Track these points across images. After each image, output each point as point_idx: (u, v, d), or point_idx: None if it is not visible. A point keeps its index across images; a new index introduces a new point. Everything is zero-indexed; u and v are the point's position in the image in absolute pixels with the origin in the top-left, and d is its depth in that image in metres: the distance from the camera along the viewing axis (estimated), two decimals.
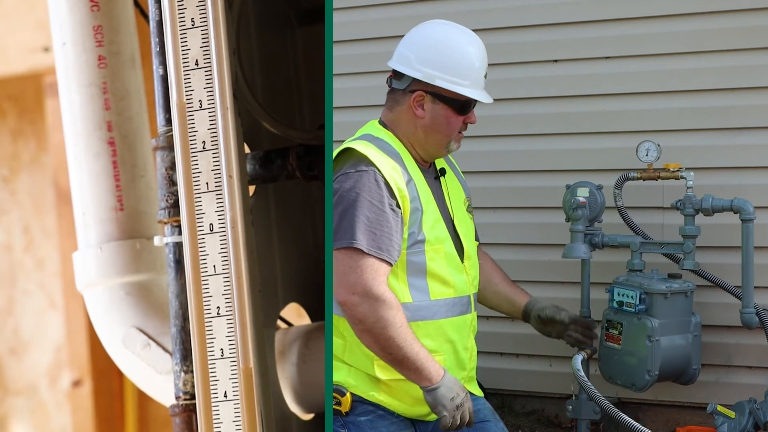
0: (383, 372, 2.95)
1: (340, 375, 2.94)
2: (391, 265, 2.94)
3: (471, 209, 3.27)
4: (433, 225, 3.07)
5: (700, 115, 3.92)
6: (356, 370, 2.94)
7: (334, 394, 2.89)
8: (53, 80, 3.05)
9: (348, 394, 2.89)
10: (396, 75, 3.12)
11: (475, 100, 3.12)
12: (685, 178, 3.69)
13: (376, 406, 2.95)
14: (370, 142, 3.05)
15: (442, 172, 3.18)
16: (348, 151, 2.98)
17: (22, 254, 5.33)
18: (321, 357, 2.88)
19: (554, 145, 4.16)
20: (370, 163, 2.96)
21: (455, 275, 3.07)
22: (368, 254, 2.89)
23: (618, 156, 3.96)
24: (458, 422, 2.96)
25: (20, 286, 5.33)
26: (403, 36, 3.14)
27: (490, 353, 4.22)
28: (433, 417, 3.01)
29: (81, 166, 2.90)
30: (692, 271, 3.77)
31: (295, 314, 3.13)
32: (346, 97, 4.34)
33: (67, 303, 4.97)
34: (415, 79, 3.08)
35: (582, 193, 3.81)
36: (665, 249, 3.78)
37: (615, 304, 3.70)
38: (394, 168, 3.02)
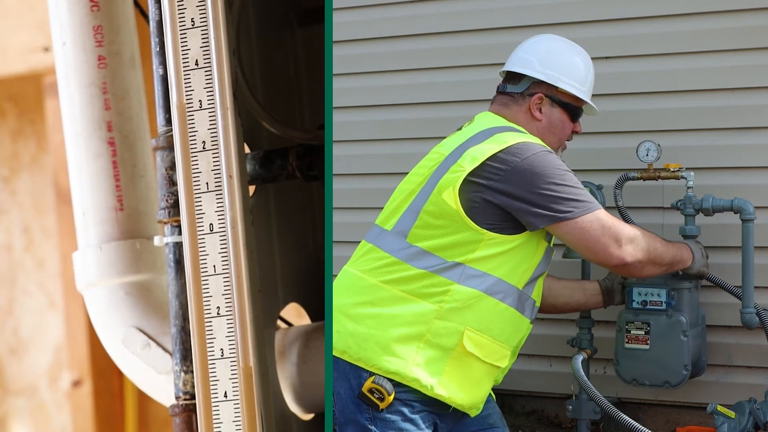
0: (472, 346, 3.04)
1: (407, 367, 2.97)
2: None
3: None
4: None
5: (701, 115, 3.91)
6: (431, 348, 3.00)
7: (378, 387, 2.92)
8: (53, 80, 3.04)
9: (392, 396, 2.93)
10: (511, 79, 3.27)
11: (581, 113, 3.30)
12: (686, 178, 3.69)
13: (411, 406, 2.98)
14: (525, 132, 3.17)
15: None
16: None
17: (22, 254, 5.33)
18: (321, 357, 2.88)
19: None
20: (546, 147, 3.13)
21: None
22: (601, 209, 3.10)
23: (618, 156, 3.96)
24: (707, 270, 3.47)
25: (20, 286, 5.33)
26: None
27: None
28: (474, 411, 3.12)
29: (81, 166, 2.90)
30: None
31: (295, 314, 3.13)
32: (346, 97, 4.31)
33: (67, 303, 4.97)
34: (534, 83, 3.24)
35: None
36: None
37: (637, 304, 3.66)
38: None
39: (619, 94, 4.01)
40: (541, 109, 3.24)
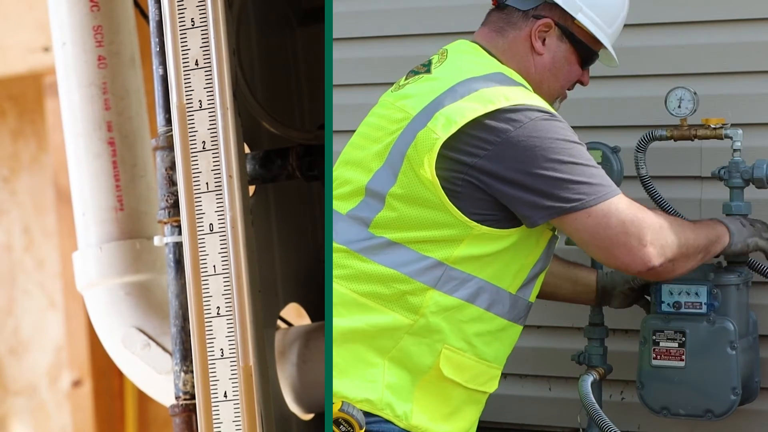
0: (451, 370, 2.47)
1: (376, 392, 2.47)
2: None
3: None
4: None
5: (752, 53, 3.02)
6: (399, 373, 2.47)
7: (347, 417, 2.43)
8: (53, 80, 3.04)
9: (362, 430, 2.42)
10: None
11: (595, 59, 2.62)
12: (731, 138, 2.86)
13: None
14: (523, 86, 2.49)
15: None
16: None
17: (22, 254, 5.33)
18: (321, 357, 2.88)
19: None
20: (551, 111, 2.46)
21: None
22: (620, 194, 2.46)
23: (641, 108, 3.10)
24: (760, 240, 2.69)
25: (20, 286, 5.33)
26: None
27: None
28: None
29: (81, 166, 2.91)
30: (738, 262, 2.89)
31: (295, 314, 3.12)
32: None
33: (67, 303, 4.97)
34: (546, 3, 2.55)
35: (593, 158, 2.77)
36: None
37: (668, 307, 2.88)
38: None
39: (643, 25, 3.11)
40: (545, 41, 2.55)
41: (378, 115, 2.59)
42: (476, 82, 2.44)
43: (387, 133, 2.51)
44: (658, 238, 2.46)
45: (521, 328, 2.60)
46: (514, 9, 2.56)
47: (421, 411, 2.49)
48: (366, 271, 2.48)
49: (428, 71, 2.54)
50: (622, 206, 2.44)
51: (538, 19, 2.54)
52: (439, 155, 2.40)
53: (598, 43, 2.60)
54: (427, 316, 2.44)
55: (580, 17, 2.54)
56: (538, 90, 2.55)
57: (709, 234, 2.64)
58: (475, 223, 2.42)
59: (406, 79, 2.60)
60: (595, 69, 2.83)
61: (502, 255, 2.47)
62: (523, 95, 2.45)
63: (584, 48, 2.58)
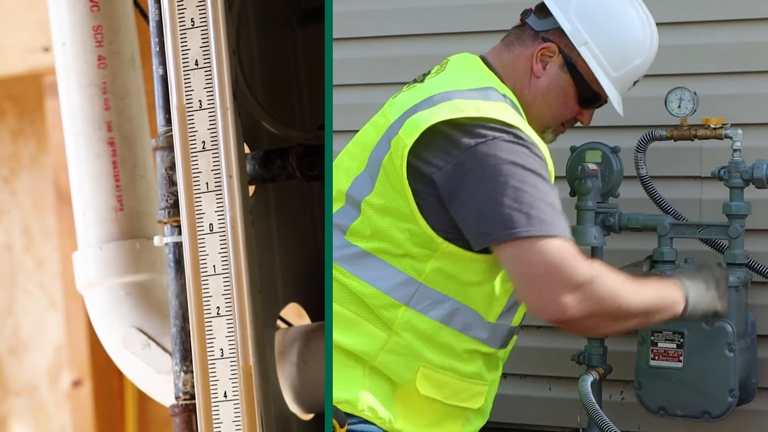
0: (428, 388, 2.43)
1: (356, 394, 2.43)
2: None
3: None
4: None
5: (753, 53, 3.04)
6: (379, 382, 2.44)
7: (334, 419, 2.41)
8: (53, 80, 3.04)
9: (344, 429, 2.40)
10: (539, 11, 2.51)
11: (596, 102, 2.51)
12: (731, 138, 2.89)
13: None
14: (504, 102, 2.38)
15: None
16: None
17: (22, 254, 5.33)
18: (321, 357, 2.87)
19: None
20: (522, 132, 2.33)
21: None
22: (562, 237, 2.28)
23: (641, 108, 3.02)
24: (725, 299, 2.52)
25: (20, 286, 5.32)
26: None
27: None
28: None
29: (81, 166, 2.90)
30: (738, 264, 2.93)
31: (295, 314, 3.12)
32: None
33: (67, 303, 4.97)
34: (557, 30, 2.48)
35: (592, 158, 3.03)
36: (704, 233, 2.97)
37: None
38: (542, 143, 2.38)
39: None
40: (546, 65, 2.47)
41: (371, 122, 2.56)
42: (457, 93, 2.37)
43: (370, 139, 2.47)
44: (584, 291, 2.28)
45: (509, 349, 2.54)
46: (529, 27, 2.52)
47: (404, 418, 2.47)
48: (343, 283, 2.46)
49: (422, 81, 2.49)
50: (554, 249, 2.26)
51: (545, 41, 2.48)
52: (409, 164, 2.33)
53: (600, 86, 2.50)
54: (400, 333, 2.40)
55: (583, 51, 2.46)
56: (527, 112, 2.48)
57: (658, 300, 2.45)
58: (442, 240, 2.34)
59: (406, 86, 2.55)
60: None
61: (474, 279, 2.39)
62: (500, 110, 2.35)
63: (584, 85, 2.49)
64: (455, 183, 2.29)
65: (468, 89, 2.38)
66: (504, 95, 2.44)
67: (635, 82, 2.58)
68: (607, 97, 2.54)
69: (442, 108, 2.33)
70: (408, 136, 2.32)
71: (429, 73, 2.51)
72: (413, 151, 2.32)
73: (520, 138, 2.31)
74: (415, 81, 2.53)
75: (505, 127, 2.31)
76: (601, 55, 2.47)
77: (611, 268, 2.39)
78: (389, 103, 2.51)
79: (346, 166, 2.51)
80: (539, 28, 2.48)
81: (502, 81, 2.49)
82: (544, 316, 2.32)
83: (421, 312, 2.40)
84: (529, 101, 2.48)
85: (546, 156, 2.40)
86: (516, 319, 2.51)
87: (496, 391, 2.55)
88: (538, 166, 2.32)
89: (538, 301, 2.29)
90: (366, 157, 2.45)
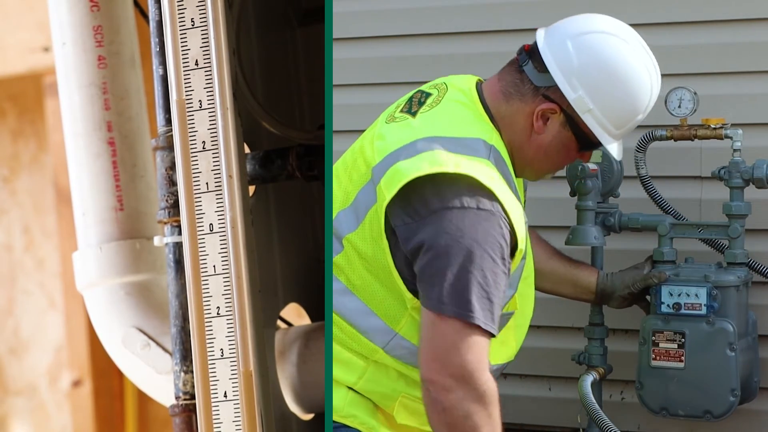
0: (406, 416, 2.43)
1: (340, 403, 2.46)
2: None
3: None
4: (527, 276, 2.46)
5: (752, 54, 3.01)
6: (361, 399, 2.47)
7: None
8: (53, 80, 3.04)
9: None
10: (537, 61, 2.39)
11: (597, 147, 2.47)
12: (731, 138, 2.86)
13: None
14: (488, 160, 2.31)
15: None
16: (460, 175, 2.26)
17: (22, 254, 5.33)
18: (321, 357, 2.87)
19: None
20: (496, 200, 2.28)
21: (517, 332, 2.50)
22: (480, 328, 2.25)
23: None
24: None
25: (20, 286, 5.32)
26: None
27: None
28: None
29: (81, 166, 2.90)
30: (738, 263, 2.91)
31: (295, 314, 3.12)
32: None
33: (67, 303, 4.97)
34: (558, 87, 2.38)
35: (593, 158, 2.95)
36: (704, 233, 2.95)
37: (668, 308, 2.87)
38: (518, 207, 2.34)
39: (643, 25, 2.79)
40: (547, 122, 2.39)
41: (363, 145, 2.50)
42: (441, 141, 2.31)
43: (359, 174, 2.43)
44: (460, 389, 2.26)
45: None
46: (528, 79, 2.40)
47: (388, 429, 2.48)
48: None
49: (415, 114, 2.41)
50: (469, 340, 2.24)
51: (547, 100, 2.39)
52: (386, 215, 2.31)
53: (599, 143, 2.46)
54: (379, 365, 2.41)
55: (587, 118, 2.38)
56: (526, 165, 2.44)
57: None
58: (411, 296, 2.33)
59: (400, 110, 2.47)
60: None
61: None
62: (481, 172, 2.28)
63: (585, 140, 2.43)
64: (416, 239, 2.26)
65: (454, 138, 2.32)
66: (492, 146, 2.37)
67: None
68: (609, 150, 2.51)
69: (423, 162, 2.28)
70: (388, 190, 2.29)
71: (424, 103, 2.43)
72: (393, 203, 2.30)
73: (490, 210, 2.26)
74: (409, 111, 2.45)
75: (479, 193, 2.26)
76: (605, 119, 2.40)
77: (498, 411, 2.34)
78: (378, 134, 2.44)
79: (336, 187, 2.48)
80: (539, 84, 2.38)
81: (497, 127, 2.42)
82: (422, 374, 2.29)
83: (397, 358, 2.41)
84: (530, 156, 2.43)
85: (518, 223, 2.35)
86: (506, 356, 2.51)
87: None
88: (496, 248, 2.26)
89: (429, 364, 2.27)
90: (354, 192, 2.42)
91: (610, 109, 2.39)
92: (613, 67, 2.39)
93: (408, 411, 2.47)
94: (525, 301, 2.50)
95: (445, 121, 2.36)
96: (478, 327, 2.25)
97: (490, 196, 2.28)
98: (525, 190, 2.62)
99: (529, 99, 2.39)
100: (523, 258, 2.39)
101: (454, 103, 2.40)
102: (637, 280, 2.85)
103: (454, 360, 2.24)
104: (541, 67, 2.38)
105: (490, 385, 2.28)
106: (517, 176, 2.46)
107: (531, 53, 2.41)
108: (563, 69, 2.36)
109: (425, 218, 2.26)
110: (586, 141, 2.42)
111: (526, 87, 2.39)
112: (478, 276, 2.24)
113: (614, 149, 2.47)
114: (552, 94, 2.37)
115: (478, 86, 2.46)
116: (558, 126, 2.39)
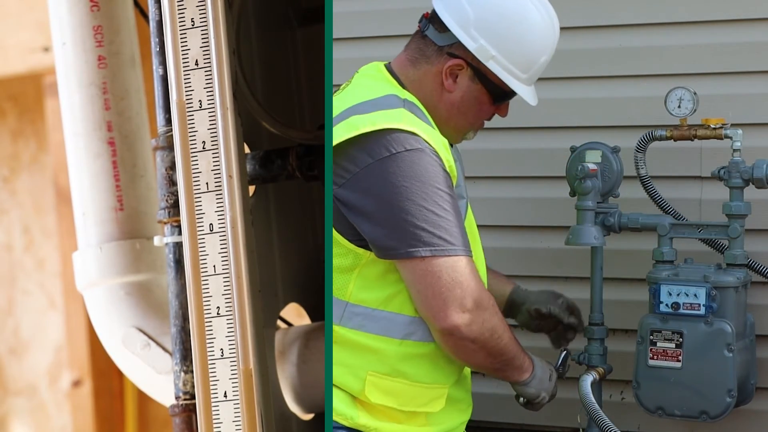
0: (379, 396, 2.47)
1: None
2: None
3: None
4: (469, 225, 2.52)
5: (752, 53, 3.01)
6: (337, 391, 2.50)
7: None
8: (53, 80, 3.04)
9: None
10: (437, 23, 2.48)
11: (511, 97, 2.53)
12: (731, 138, 2.86)
13: None
14: (402, 108, 2.42)
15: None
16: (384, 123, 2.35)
17: (22, 254, 5.33)
18: (321, 357, 2.87)
19: (554, 93, 3.19)
20: (420, 138, 2.37)
21: None
22: (465, 256, 2.35)
23: (640, 108, 3.08)
24: (549, 398, 2.59)
25: (20, 286, 5.32)
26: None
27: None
28: None
29: (81, 166, 2.90)
30: (738, 264, 2.91)
31: (295, 314, 3.12)
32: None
33: (67, 303, 4.97)
34: (461, 43, 2.46)
35: (592, 158, 3.00)
36: (704, 233, 2.94)
37: (666, 307, 2.87)
38: (444, 143, 2.41)
39: (643, 25, 3.11)
40: (457, 78, 2.47)
41: None
42: (353, 108, 2.40)
43: None
44: (477, 314, 2.37)
45: None
46: (431, 42, 2.49)
47: (367, 416, 2.50)
48: None
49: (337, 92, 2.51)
50: (461, 267, 2.34)
51: (451, 57, 2.47)
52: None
53: (511, 90, 2.52)
54: (339, 349, 2.44)
55: (491, 65, 2.45)
56: (444, 125, 2.51)
57: (517, 356, 2.52)
58: (362, 250, 2.39)
59: None
60: (595, 69, 2.82)
61: (401, 286, 2.43)
62: (397, 118, 2.37)
63: (496, 89, 2.49)
64: (354, 199, 2.35)
65: (364, 101, 2.41)
66: (405, 100, 2.45)
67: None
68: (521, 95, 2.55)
69: (340, 130, 2.38)
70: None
71: (339, 88, 2.54)
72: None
73: (418, 148, 2.34)
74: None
75: (402, 137, 2.34)
76: (509, 64, 2.47)
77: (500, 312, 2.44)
78: None
79: None
80: (442, 43, 2.47)
81: (409, 93, 2.49)
82: (438, 324, 2.37)
83: (355, 329, 2.45)
84: (445, 115, 2.50)
85: (447, 158, 2.42)
86: None
87: (468, 385, 2.55)
88: (440, 179, 2.35)
89: (438, 314, 2.35)
90: None
91: (512, 52, 2.45)
92: (507, 10, 2.46)
93: (379, 390, 2.48)
94: (478, 255, 2.55)
95: (357, 93, 2.46)
96: (459, 255, 2.33)
97: (414, 136, 2.36)
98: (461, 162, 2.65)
99: (435, 60, 2.46)
100: (462, 198, 2.46)
101: (363, 78, 2.51)
102: (547, 301, 2.79)
103: (461, 294, 2.33)
104: (442, 28, 2.45)
105: (488, 294, 2.39)
106: None
107: (431, 19, 2.50)
108: (460, 23, 2.43)
109: (357, 174, 2.35)
110: (497, 91, 2.47)
111: (430, 50, 2.47)
112: (435, 210, 2.31)
113: (528, 94, 2.51)
114: (456, 50, 2.45)
115: (387, 65, 2.57)
116: (467, 80, 2.46)
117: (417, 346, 2.48)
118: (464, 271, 2.35)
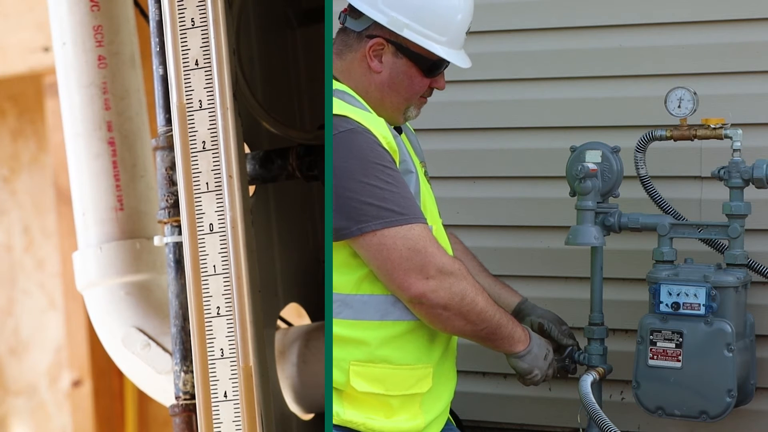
0: (365, 384, 2.48)
1: None
2: None
3: (428, 177, 2.68)
4: (429, 195, 2.57)
5: (752, 54, 3.01)
6: None
7: None
8: (53, 80, 3.04)
9: None
10: (352, 11, 2.57)
11: (441, 66, 2.56)
12: (731, 138, 2.84)
13: None
14: (335, 97, 2.51)
15: (399, 130, 2.62)
16: None
17: (22, 254, 5.33)
18: (321, 357, 2.87)
19: (554, 93, 3.24)
20: (349, 119, 2.46)
21: None
22: (418, 223, 2.40)
23: (640, 108, 3.08)
24: (545, 378, 2.61)
25: (20, 286, 5.32)
26: None
27: (468, 373, 3.26)
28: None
29: (81, 166, 2.90)
30: (737, 264, 2.90)
31: (295, 314, 3.12)
32: None
33: (67, 303, 4.97)
34: (376, 23, 2.53)
35: (592, 158, 2.97)
36: (704, 233, 2.93)
37: (666, 307, 2.87)
38: (379, 122, 2.49)
39: (641, 25, 3.11)
40: (382, 58, 2.53)
41: None
42: None
43: None
44: (442, 277, 2.41)
45: None
46: (351, 31, 2.58)
47: (354, 410, 2.51)
48: None
49: None
50: (415, 235, 2.39)
51: (371, 38, 2.54)
52: None
53: (435, 55, 2.54)
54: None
55: (408, 33, 2.50)
56: (380, 107, 2.56)
57: (508, 325, 2.55)
58: None
59: None
60: (595, 69, 2.82)
61: (367, 267, 2.47)
62: (336, 107, 2.44)
63: (421, 60, 2.54)
64: None
65: None
66: (335, 90, 2.54)
67: (467, 30, 2.61)
68: (446, 60, 2.57)
69: None
70: None
71: None
72: None
73: (350, 128, 2.42)
74: None
75: (339, 120, 2.42)
76: (424, 29, 2.51)
77: (473, 278, 2.47)
78: None
79: None
80: (359, 29, 2.54)
81: (342, 83, 2.56)
82: (404, 294, 2.41)
83: (333, 318, 2.47)
84: (378, 97, 2.56)
85: (384, 135, 2.47)
86: None
87: (454, 356, 2.55)
88: (377, 154, 2.42)
89: (402, 284, 2.39)
90: None
91: (423, 16, 2.50)
92: None
93: (364, 378, 2.49)
94: (438, 229, 2.57)
95: None
96: (413, 223, 2.38)
97: (344, 118, 2.45)
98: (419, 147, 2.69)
99: (357, 46, 2.54)
100: (412, 171, 2.50)
101: None
102: (552, 321, 2.80)
103: (420, 261, 2.37)
104: (356, 14, 2.54)
105: (452, 259, 2.42)
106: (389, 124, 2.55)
107: (348, 11, 2.58)
108: (369, 2, 2.51)
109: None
110: (423, 61, 2.51)
111: (351, 38, 2.55)
112: (377, 183, 2.38)
113: (456, 58, 2.54)
114: (373, 31, 2.52)
115: None
116: (391, 57, 2.52)
117: (396, 326, 2.50)
118: (419, 238, 2.39)
